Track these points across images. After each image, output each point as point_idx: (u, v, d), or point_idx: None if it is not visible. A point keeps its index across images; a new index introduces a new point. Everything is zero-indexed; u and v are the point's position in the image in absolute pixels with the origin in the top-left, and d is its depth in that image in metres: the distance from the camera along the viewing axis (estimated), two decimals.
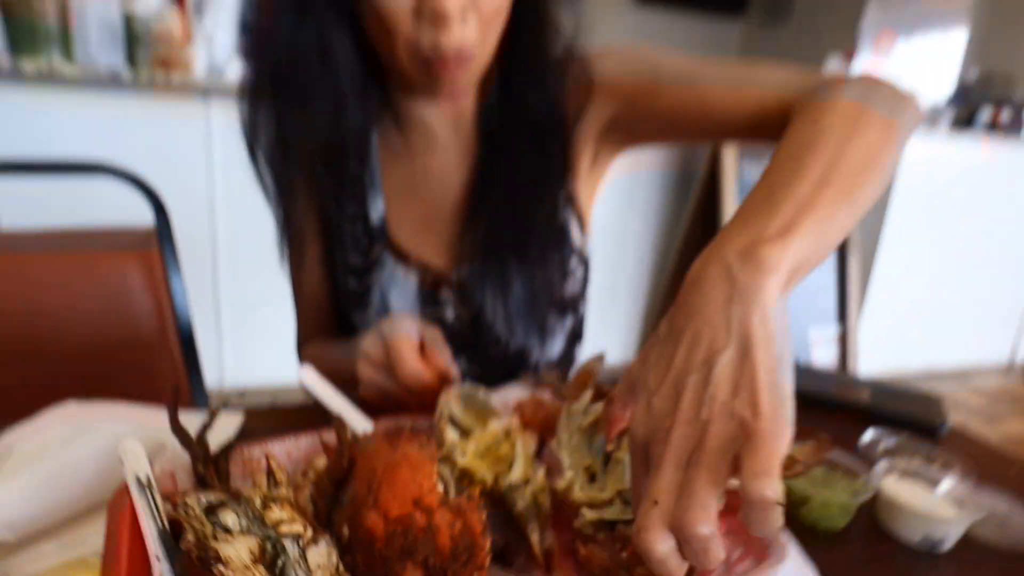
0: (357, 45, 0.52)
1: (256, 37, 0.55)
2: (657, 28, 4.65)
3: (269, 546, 0.30)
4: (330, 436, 0.39)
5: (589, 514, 0.38)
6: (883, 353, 2.61)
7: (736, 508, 0.28)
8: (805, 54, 4.06)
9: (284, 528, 0.31)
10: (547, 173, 0.60)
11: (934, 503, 0.46)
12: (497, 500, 0.40)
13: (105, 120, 1.64)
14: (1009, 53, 2.91)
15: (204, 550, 0.28)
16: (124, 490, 0.34)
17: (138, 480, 0.34)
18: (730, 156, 2.20)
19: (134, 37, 1.64)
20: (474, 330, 0.63)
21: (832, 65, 2.89)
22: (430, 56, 0.48)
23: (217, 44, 1.79)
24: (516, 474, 0.41)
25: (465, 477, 0.41)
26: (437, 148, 0.61)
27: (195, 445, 0.38)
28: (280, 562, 0.30)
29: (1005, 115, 2.63)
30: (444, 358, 0.50)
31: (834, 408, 0.65)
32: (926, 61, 2.93)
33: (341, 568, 0.31)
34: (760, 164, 2.29)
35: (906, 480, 0.49)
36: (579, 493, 0.40)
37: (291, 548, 0.30)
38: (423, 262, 0.63)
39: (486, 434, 0.44)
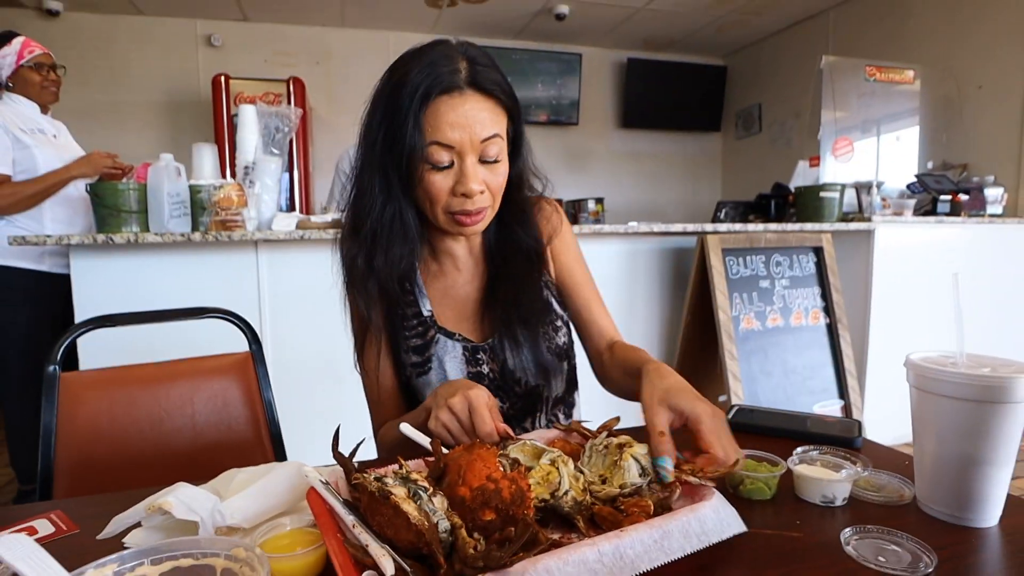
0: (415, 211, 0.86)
1: (357, 211, 0.86)
2: (645, 147, 5.19)
3: (412, 491, 0.53)
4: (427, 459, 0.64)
5: (602, 491, 0.61)
6: (891, 422, 2.73)
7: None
8: (777, 159, 4.52)
9: (420, 482, 0.55)
10: (533, 273, 0.93)
11: (828, 473, 0.68)
12: (552, 508, 0.62)
13: (181, 271, 2.01)
14: (957, 145, 3.28)
15: (382, 492, 0.52)
16: (312, 490, 0.59)
17: (323, 483, 0.59)
18: (716, 256, 2.49)
19: (197, 204, 2.02)
20: (503, 378, 0.91)
21: (800, 169, 3.28)
22: (459, 216, 0.82)
23: (264, 205, 2.19)
24: (564, 487, 0.63)
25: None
26: (460, 267, 0.95)
27: (349, 462, 0.63)
28: (418, 500, 0.53)
29: (965, 199, 2.94)
30: (501, 421, 0.74)
31: (785, 434, 0.87)
32: (885, 158, 3.30)
33: (449, 508, 0.54)
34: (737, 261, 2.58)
35: (813, 465, 0.71)
36: (596, 486, 0.63)
37: (424, 494, 0.53)
38: (463, 337, 0.92)
39: (542, 466, 0.65)
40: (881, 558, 0.55)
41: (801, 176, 3.21)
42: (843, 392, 2.63)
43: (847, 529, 0.60)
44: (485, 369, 0.91)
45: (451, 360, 0.90)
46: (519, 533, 0.48)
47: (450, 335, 0.91)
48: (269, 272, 2.16)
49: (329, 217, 2.29)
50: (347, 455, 0.64)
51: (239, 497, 0.60)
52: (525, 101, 4.48)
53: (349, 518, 0.54)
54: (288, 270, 2.17)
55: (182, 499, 0.55)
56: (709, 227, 2.60)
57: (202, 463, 1.16)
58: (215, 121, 3.84)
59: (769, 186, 3.38)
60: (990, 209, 2.90)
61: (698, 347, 2.67)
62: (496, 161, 0.81)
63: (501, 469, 0.59)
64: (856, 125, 3.24)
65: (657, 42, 4.72)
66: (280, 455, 1.20)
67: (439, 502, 0.53)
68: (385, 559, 0.48)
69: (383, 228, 0.83)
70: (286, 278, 2.17)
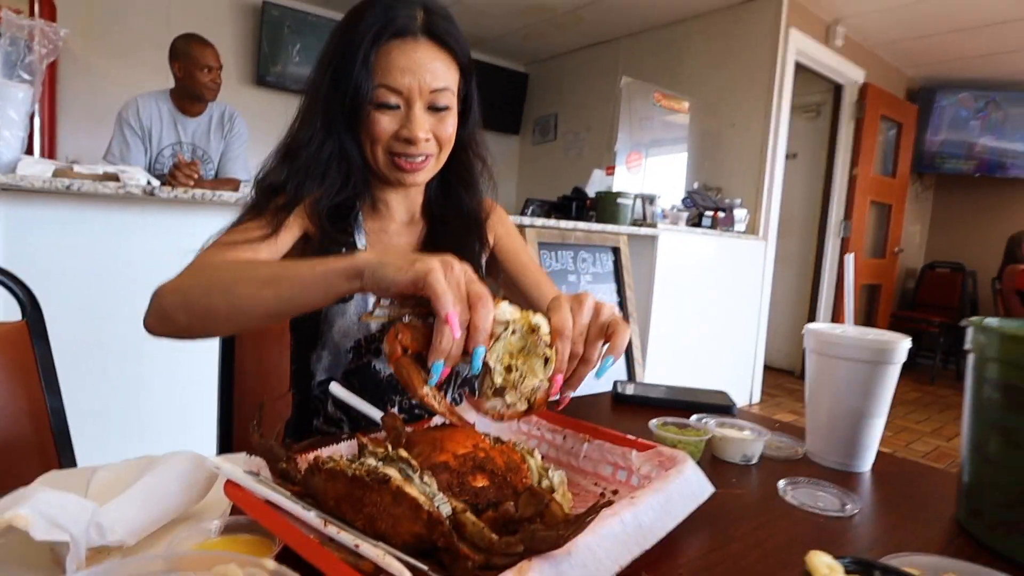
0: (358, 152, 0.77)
1: (295, 143, 0.77)
2: None
3: (403, 471, 0.43)
4: (367, 436, 0.53)
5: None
6: None
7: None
8: (570, 166, 4.92)
9: (405, 458, 0.44)
10: (471, 238, 0.87)
11: (747, 435, 0.73)
12: None
13: None
14: (715, 170, 3.92)
15: (375, 475, 0.41)
16: (231, 483, 0.44)
17: (249, 473, 0.45)
18: None
19: None
20: None
21: (597, 176, 3.61)
22: (400, 159, 0.75)
23: (4, 143, 1.68)
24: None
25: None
26: (397, 218, 0.86)
27: (278, 448, 0.49)
28: (411, 482, 0.43)
29: (722, 216, 3.51)
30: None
31: (673, 406, 0.93)
32: (666, 175, 3.80)
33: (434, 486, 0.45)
34: None
35: (724, 429, 0.76)
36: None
37: (413, 473, 0.43)
38: None
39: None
40: (820, 503, 0.60)
41: (597, 182, 3.53)
42: (631, 376, 2.95)
43: (781, 481, 0.65)
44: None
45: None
46: (536, 504, 0.41)
47: None
48: (21, 230, 1.65)
49: (100, 169, 1.84)
50: (276, 437, 0.50)
51: (118, 503, 0.43)
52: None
53: (310, 514, 0.41)
54: (44, 229, 1.68)
55: (42, 510, 0.37)
56: (527, 220, 2.71)
57: None
58: None
59: (560, 190, 3.65)
60: (737, 226, 3.51)
61: None
62: (446, 109, 0.77)
63: (488, 442, 0.52)
64: (643, 142, 3.67)
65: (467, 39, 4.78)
66: (67, 457, 0.91)
67: (430, 481, 0.44)
68: (390, 560, 0.37)
69: (319, 163, 0.77)
70: (41, 238, 1.68)
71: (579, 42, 4.71)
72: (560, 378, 0.54)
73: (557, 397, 0.57)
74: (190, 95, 2.48)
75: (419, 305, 0.53)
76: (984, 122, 4.84)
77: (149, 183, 1.77)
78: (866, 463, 0.72)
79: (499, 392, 0.54)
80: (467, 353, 0.51)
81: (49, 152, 3.15)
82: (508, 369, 0.54)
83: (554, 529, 0.38)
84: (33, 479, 0.54)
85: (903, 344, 0.69)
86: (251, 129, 2.70)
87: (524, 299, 0.91)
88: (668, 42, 4.15)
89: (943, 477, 0.71)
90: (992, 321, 0.60)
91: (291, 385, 0.92)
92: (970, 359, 0.58)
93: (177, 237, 1.82)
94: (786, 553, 0.50)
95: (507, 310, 0.54)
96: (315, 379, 0.84)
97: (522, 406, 0.55)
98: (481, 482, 0.46)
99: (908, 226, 5.21)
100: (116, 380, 1.77)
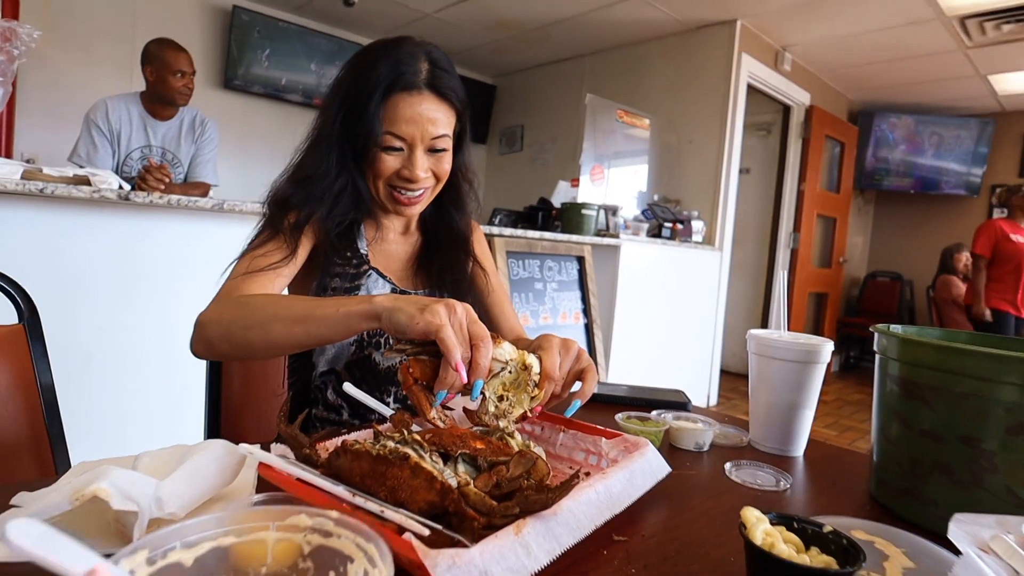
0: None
1: (308, 172, 0.87)
2: None
3: (416, 451, 0.51)
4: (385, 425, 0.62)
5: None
6: None
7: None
8: (535, 176, 5.05)
9: (417, 440, 0.53)
10: (461, 253, 0.98)
11: (699, 426, 0.84)
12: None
13: None
14: (674, 183, 4.10)
15: (396, 454, 0.49)
16: (267, 467, 0.52)
17: (281, 457, 0.53)
18: None
19: None
20: None
21: (562, 187, 3.74)
22: (399, 194, 0.87)
23: None
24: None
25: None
26: (393, 229, 0.99)
27: (301, 435, 0.57)
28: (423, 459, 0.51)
29: (681, 227, 3.68)
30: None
31: (640, 403, 1.03)
32: (627, 186, 3.95)
33: (442, 464, 0.54)
34: None
35: (680, 422, 0.86)
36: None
37: (425, 453, 0.52)
38: (393, 282, 0.93)
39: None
40: (759, 481, 0.72)
41: (563, 193, 3.66)
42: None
43: (727, 464, 0.76)
44: None
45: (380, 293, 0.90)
46: (526, 462, 0.51)
47: (382, 275, 0.92)
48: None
49: (70, 171, 1.85)
50: (298, 426, 0.58)
51: (170, 481, 0.50)
52: (290, 81, 4.19)
53: (339, 488, 0.50)
54: (12, 231, 1.69)
55: (118, 485, 0.44)
56: (495, 230, 2.80)
57: None
58: None
59: (526, 200, 3.77)
60: (695, 237, 3.69)
61: None
62: (443, 151, 0.89)
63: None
64: (607, 155, 3.82)
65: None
66: (62, 460, 0.96)
67: (438, 460, 0.53)
68: (411, 522, 0.46)
69: (331, 193, 0.87)
70: (9, 240, 1.68)
71: (546, 57, 4.85)
72: (539, 408, 0.67)
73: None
74: (161, 99, 2.49)
75: (428, 344, 0.63)
76: (919, 143, 5.19)
77: (121, 187, 1.79)
78: (799, 448, 0.84)
79: (493, 418, 0.65)
80: (468, 384, 0.61)
81: (6, 149, 3.09)
82: (501, 398, 0.65)
83: (543, 493, 0.47)
84: (28, 478, 0.59)
85: (827, 346, 0.81)
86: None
87: (486, 316, 1.02)
88: (631, 61, 4.32)
89: (862, 459, 0.83)
90: (896, 328, 0.72)
91: (287, 376, 0.99)
92: (877, 359, 0.70)
93: (147, 239, 1.84)
94: (728, 517, 0.61)
95: (508, 350, 0.65)
96: (317, 370, 0.92)
97: (511, 428, 0.66)
98: (479, 444, 0.56)
99: (852, 238, 5.52)
100: (98, 382, 1.79)
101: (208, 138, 2.66)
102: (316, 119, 0.90)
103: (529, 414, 0.66)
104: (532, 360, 0.66)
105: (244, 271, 0.81)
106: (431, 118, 0.85)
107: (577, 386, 0.72)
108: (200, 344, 0.74)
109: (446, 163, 0.90)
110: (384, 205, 0.91)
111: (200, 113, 2.65)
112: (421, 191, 0.89)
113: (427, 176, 0.88)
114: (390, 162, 0.86)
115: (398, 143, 0.85)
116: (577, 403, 0.70)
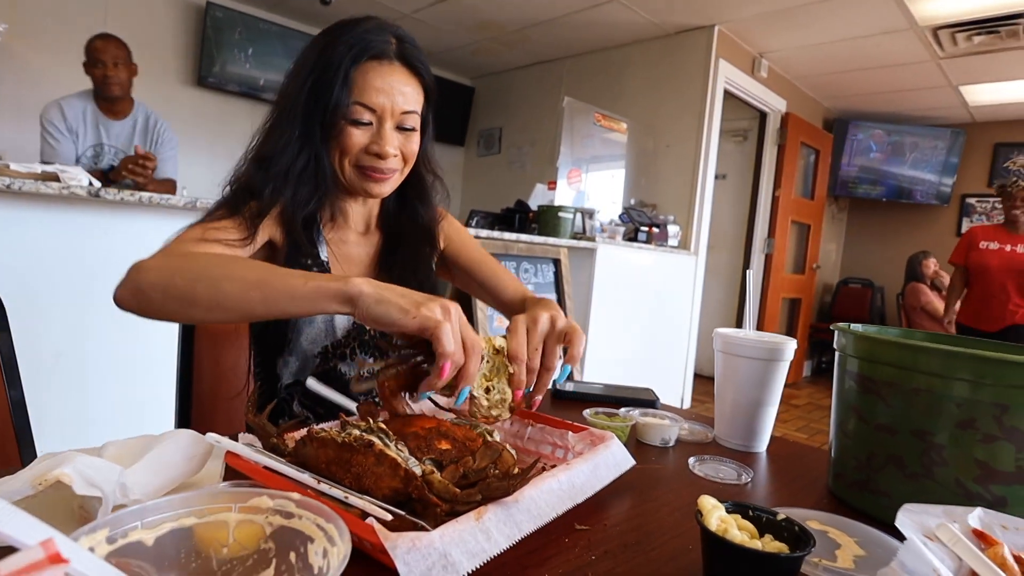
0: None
1: (269, 150, 0.82)
2: None
3: (381, 439, 0.52)
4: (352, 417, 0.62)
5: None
6: None
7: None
8: (513, 179, 5.07)
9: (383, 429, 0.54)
10: (427, 249, 0.96)
11: (665, 423, 0.86)
12: None
13: None
14: (651, 188, 4.15)
15: (361, 441, 0.50)
16: (233, 456, 0.53)
17: (248, 446, 0.53)
18: None
19: None
20: (384, 336, 0.85)
21: (539, 190, 3.76)
22: (369, 170, 0.82)
23: None
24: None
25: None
26: (355, 228, 0.93)
27: (268, 425, 0.57)
28: (383, 442, 0.52)
29: (657, 231, 3.72)
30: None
31: (610, 400, 1.05)
32: (604, 190, 3.99)
33: (407, 452, 0.54)
34: None
35: (646, 418, 0.88)
36: None
37: (390, 441, 0.53)
38: None
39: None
40: (721, 475, 0.73)
41: (540, 196, 3.68)
42: (569, 376, 3.08)
43: (691, 458, 0.77)
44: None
45: None
46: (492, 454, 0.52)
47: None
48: None
49: (38, 168, 1.82)
50: (266, 414, 0.58)
51: (136, 469, 0.50)
52: (269, 81, 4.15)
53: (304, 475, 0.50)
54: None
55: (81, 471, 0.44)
56: (472, 232, 2.81)
57: None
58: None
59: (503, 202, 3.78)
60: (671, 241, 3.74)
61: None
62: (412, 130, 0.85)
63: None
64: (584, 159, 3.86)
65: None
66: (29, 457, 0.94)
67: (403, 448, 0.53)
68: (374, 507, 0.46)
69: (294, 170, 0.82)
70: None
71: (525, 60, 4.88)
72: (520, 393, 0.64)
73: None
74: (98, 94, 2.47)
75: (408, 347, 0.62)
76: (892, 152, 5.33)
77: (91, 183, 1.76)
78: (762, 444, 0.86)
79: (488, 411, 0.64)
80: (453, 387, 0.59)
81: None
82: (487, 390, 0.64)
83: (504, 480, 0.48)
84: None
85: (790, 344, 0.84)
86: (189, 128, 2.67)
87: (484, 291, 0.98)
88: (609, 64, 4.37)
89: (823, 455, 0.86)
90: (856, 327, 0.75)
91: (248, 383, 0.98)
92: (837, 356, 0.72)
93: (117, 237, 1.82)
94: (689, 508, 0.63)
95: None
96: (281, 382, 0.89)
97: (506, 415, 0.65)
98: (444, 445, 0.56)
99: (825, 244, 5.64)
100: (67, 379, 1.75)
101: (166, 139, 2.63)
102: (277, 97, 0.85)
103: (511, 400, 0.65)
104: (501, 343, 0.65)
105: (198, 237, 0.73)
106: (402, 90, 0.81)
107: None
108: (127, 289, 0.63)
109: (414, 143, 0.85)
110: (350, 186, 0.85)
111: (153, 114, 2.61)
112: (391, 170, 0.84)
113: (396, 154, 0.83)
114: (358, 136, 0.81)
115: (367, 115, 0.80)
116: (568, 368, 0.68)
